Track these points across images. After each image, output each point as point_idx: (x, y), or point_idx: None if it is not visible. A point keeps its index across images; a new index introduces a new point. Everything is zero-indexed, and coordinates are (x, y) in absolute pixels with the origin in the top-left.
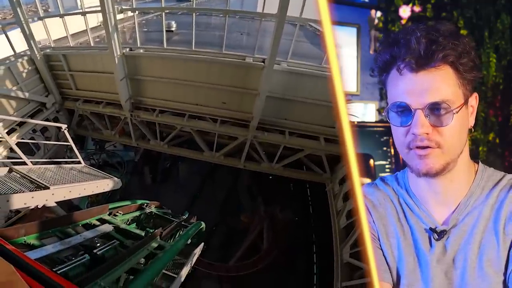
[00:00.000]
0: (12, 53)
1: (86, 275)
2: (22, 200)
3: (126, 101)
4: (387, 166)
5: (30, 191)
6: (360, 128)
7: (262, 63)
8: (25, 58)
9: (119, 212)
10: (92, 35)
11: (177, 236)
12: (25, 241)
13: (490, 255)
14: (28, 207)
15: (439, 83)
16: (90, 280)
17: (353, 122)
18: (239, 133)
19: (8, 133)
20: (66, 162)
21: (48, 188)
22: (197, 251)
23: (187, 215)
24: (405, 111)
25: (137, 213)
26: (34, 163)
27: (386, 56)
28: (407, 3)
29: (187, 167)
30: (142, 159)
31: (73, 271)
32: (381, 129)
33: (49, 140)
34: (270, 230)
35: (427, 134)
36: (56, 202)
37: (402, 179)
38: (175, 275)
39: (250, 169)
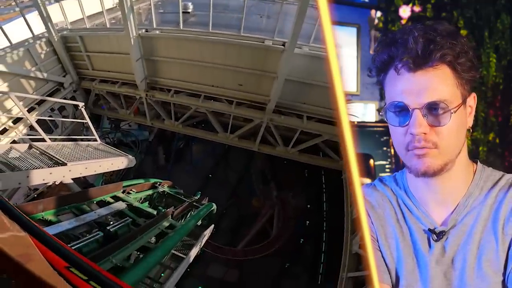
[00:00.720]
0: (31, 35)
1: (99, 251)
2: (41, 176)
3: (141, 81)
4: (387, 166)
5: (48, 167)
6: (360, 128)
7: (282, 46)
8: (43, 40)
9: (132, 190)
10: (108, 16)
11: (188, 216)
12: (43, 217)
13: (489, 255)
14: (46, 183)
15: (437, 83)
16: (103, 256)
17: (353, 122)
18: (255, 115)
19: (28, 111)
20: (83, 140)
21: (66, 164)
22: (207, 233)
23: (199, 196)
24: (403, 111)
25: (150, 192)
26: (53, 140)
27: (384, 56)
28: (407, 3)
29: (201, 148)
30: (156, 139)
31: (87, 247)
32: (381, 129)
33: (65, 117)
34: (281, 216)
35: (425, 134)
36: (72, 179)
37: (400, 180)
38: (183, 256)
39: (265, 152)
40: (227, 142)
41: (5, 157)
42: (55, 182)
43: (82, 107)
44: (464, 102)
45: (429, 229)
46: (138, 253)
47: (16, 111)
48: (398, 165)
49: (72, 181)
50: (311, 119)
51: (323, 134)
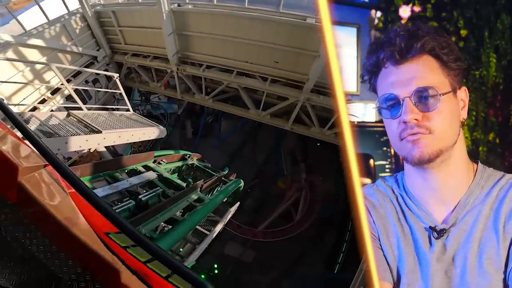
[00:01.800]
0: (66, 11)
1: (130, 220)
2: (78, 143)
3: (173, 55)
4: (387, 166)
5: (85, 134)
6: (360, 128)
7: None
8: (78, 15)
9: (163, 160)
10: None
11: (215, 191)
12: None
13: (490, 253)
14: (82, 150)
15: (423, 71)
16: (133, 225)
17: (353, 122)
18: (291, 93)
19: None
20: (115, 109)
21: (101, 132)
22: (232, 210)
23: (227, 171)
24: (394, 103)
25: (179, 163)
26: (88, 109)
27: (373, 58)
28: (407, 3)
29: (230, 124)
30: (185, 113)
31: (119, 216)
32: (381, 129)
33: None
34: (307, 201)
35: (417, 120)
36: (105, 147)
37: (401, 180)
38: (207, 232)
39: (298, 132)
40: (259, 119)
41: (46, 123)
42: (89, 150)
43: (116, 77)
44: (454, 91)
45: (430, 227)
46: (164, 225)
47: (54, 83)
48: (398, 165)
49: (105, 149)
50: None
51: None
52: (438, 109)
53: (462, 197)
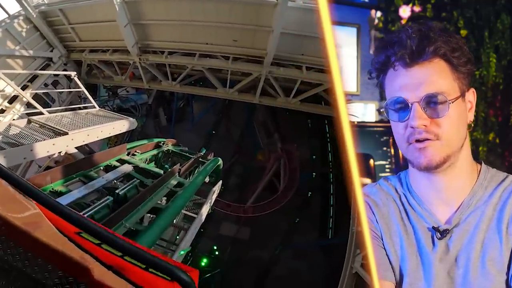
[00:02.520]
0: (6, 15)
1: (110, 216)
2: (45, 148)
3: (132, 46)
4: (387, 166)
5: (50, 138)
6: (360, 128)
7: (275, 0)
8: (21, 18)
9: (137, 151)
10: None
11: (195, 173)
12: (52, 189)
13: (493, 254)
14: (52, 156)
15: (433, 76)
16: (115, 221)
17: (353, 122)
18: (253, 69)
19: (22, 90)
20: (81, 108)
21: (67, 133)
22: (216, 189)
23: (204, 152)
24: (402, 106)
25: (154, 152)
26: (51, 112)
27: (382, 57)
28: (407, 3)
29: (201, 106)
30: (156, 101)
31: (99, 214)
32: (381, 129)
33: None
34: (287, 168)
35: (425, 126)
36: (77, 148)
37: (404, 179)
38: (195, 215)
39: (266, 104)
40: (227, 97)
41: (6, 134)
42: (60, 153)
43: (74, 76)
44: (462, 95)
45: (433, 227)
46: (151, 216)
47: (9, 91)
48: (398, 165)
49: (76, 151)
50: (311, 69)
51: (324, 83)
52: (446, 115)
53: (465, 197)
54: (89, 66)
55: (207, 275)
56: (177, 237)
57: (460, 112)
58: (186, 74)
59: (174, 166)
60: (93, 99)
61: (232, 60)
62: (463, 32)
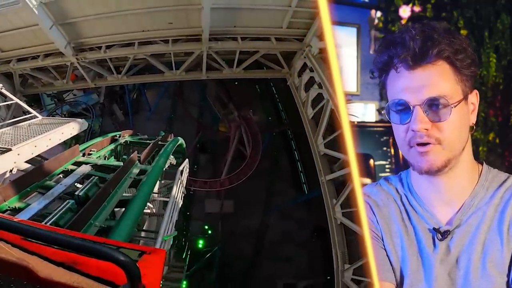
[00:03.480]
0: None
1: (74, 218)
2: None
3: (65, 47)
4: (387, 166)
5: None
6: (360, 128)
7: None
8: None
9: (92, 150)
10: None
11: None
12: (8, 206)
13: (494, 256)
14: (3, 175)
15: (436, 79)
16: (82, 222)
17: (353, 122)
18: (193, 47)
19: None
20: (21, 121)
21: (10, 149)
22: (183, 168)
23: (163, 134)
24: (404, 108)
25: (111, 146)
26: None
27: (384, 57)
28: (407, 3)
29: (155, 93)
30: (108, 98)
31: (63, 219)
32: (381, 129)
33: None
34: (249, 134)
35: (427, 130)
36: (28, 162)
37: (405, 179)
38: (167, 199)
39: (214, 78)
40: (176, 79)
41: None
42: (12, 171)
43: (1, 89)
44: (465, 98)
45: (434, 228)
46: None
47: None
48: (398, 165)
49: (29, 165)
50: (245, 39)
51: (260, 50)
52: (448, 119)
53: (466, 198)
54: (22, 76)
55: (209, 255)
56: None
57: (463, 116)
58: (130, 64)
59: (132, 155)
60: (39, 110)
61: (172, 43)
62: (463, 32)
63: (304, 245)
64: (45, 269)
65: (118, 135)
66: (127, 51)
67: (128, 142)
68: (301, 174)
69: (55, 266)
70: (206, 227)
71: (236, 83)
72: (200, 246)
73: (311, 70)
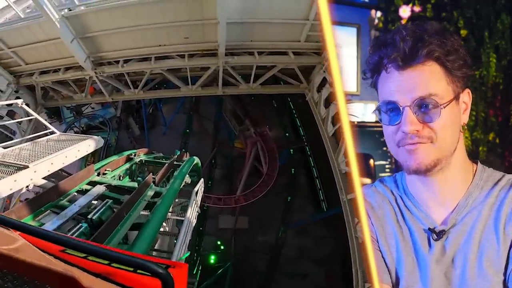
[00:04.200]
0: None
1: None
2: (6, 186)
3: (85, 61)
4: (387, 166)
5: (10, 175)
6: (360, 128)
7: None
8: None
9: (107, 170)
10: (20, 7)
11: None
12: None
13: (490, 255)
14: (20, 191)
15: (426, 79)
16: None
17: (353, 122)
18: (209, 62)
19: None
20: (40, 136)
21: (28, 166)
22: (198, 188)
23: (178, 154)
24: (394, 109)
25: (127, 166)
26: (5, 147)
27: (375, 57)
28: (407, 3)
29: (170, 108)
30: (125, 112)
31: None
32: (381, 129)
33: (21, 123)
34: (265, 151)
35: (417, 131)
36: (45, 179)
37: (400, 181)
38: (182, 218)
39: (230, 93)
40: (192, 94)
41: None
42: (28, 187)
43: (22, 104)
44: (456, 98)
45: (429, 229)
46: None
47: None
48: (398, 165)
49: (45, 181)
50: (262, 54)
51: (277, 64)
52: (439, 119)
53: (461, 198)
54: (44, 89)
55: (220, 271)
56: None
57: (453, 116)
58: (147, 79)
59: (147, 177)
60: (59, 122)
61: (188, 57)
62: (463, 32)
63: (322, 263)
64: (87, 280)
65: (133, 154)
66: (144, 66)
67: (144, 161)
68: (320, 191)
69: (94, 277)
70: (219, 242)
71: (253, 98)
72: (212, 261)
73: (331, 85)
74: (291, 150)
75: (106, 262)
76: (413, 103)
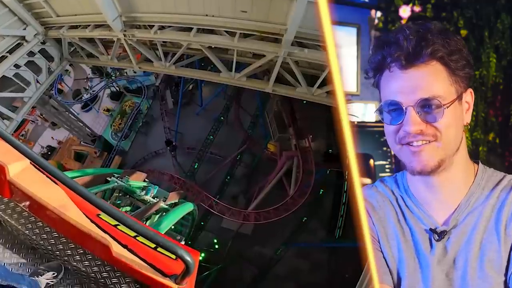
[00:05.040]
0: None
1: None
2: None
3: (114, 20)
4: (387, 166)
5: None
6: (360, 128)
7: None
8: None
9: None
10: None
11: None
12: None
13: (491, 255)
14: None
15: (429, 80)
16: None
17: (353, 122)
18: (268, 49)
19: None
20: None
21: None
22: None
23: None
24: (396, 109)
25: (96, 190)
26: None
27: (378, 56)
28: (407, 3)
29: (211, 90)
30: (164, 83)
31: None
32: (381, 129)
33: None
34: (300, 172)
35: (421, 130)
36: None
37: (401, 180)
38: None
39: (281, 94)
40: (232, 83)
41: None
42: None
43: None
44: (459, 97)
45: (431, 229)
46: None
47: None
48: (398, 165)
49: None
50: None
51: None
52: (442, 119)
53: (462, 198)
54: (71, 44)
55: (206, 273)
56: None
57: (456, 116)
58: (182, 53)
59: None
60: (101, 78)
61: (239, 37)
62: (463, 32)
63: None
64: (117, 249)
65: (116, 175)
66: (181, 37)
67: (123, 188)
68: (341, 218)
69: (122, 247)
70: (215, 240)
71: (305, 102)
72: (199, 258)
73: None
74: (328, 171)
75: (133, 234)
76: (416, 103)
